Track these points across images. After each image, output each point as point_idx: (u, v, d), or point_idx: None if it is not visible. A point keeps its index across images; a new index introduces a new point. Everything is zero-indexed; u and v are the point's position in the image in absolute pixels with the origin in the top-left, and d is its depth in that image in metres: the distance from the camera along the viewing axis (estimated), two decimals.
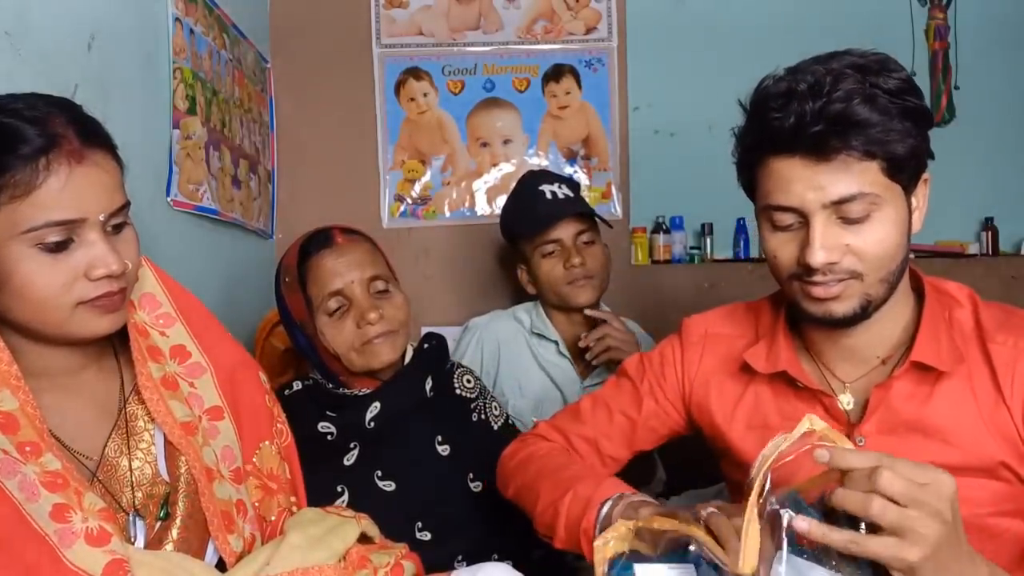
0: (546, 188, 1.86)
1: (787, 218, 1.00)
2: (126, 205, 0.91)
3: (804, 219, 0.99)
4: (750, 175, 1.06)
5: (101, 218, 0.86)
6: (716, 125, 2.59)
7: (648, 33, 2.61)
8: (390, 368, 1.39)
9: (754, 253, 2.62)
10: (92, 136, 0.87)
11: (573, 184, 1.93)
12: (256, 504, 1.03)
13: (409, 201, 2.56)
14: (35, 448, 0.83)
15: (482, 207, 2.57)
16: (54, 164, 0.82)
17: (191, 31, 1.73)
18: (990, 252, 2.60)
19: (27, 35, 1.14)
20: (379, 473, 1.35)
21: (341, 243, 1.39)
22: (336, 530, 1.00)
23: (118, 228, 0.90)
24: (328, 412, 1.37)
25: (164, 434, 0.96)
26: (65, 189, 0.82)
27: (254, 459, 1.06)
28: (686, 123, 2.58)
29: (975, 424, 1.00)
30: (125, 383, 0.98)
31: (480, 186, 2.58)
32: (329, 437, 1.36)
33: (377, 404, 1.36)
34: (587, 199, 2.29)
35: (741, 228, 2.61)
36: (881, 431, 1.04)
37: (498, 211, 2.57)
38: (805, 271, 0.99)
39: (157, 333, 1.01)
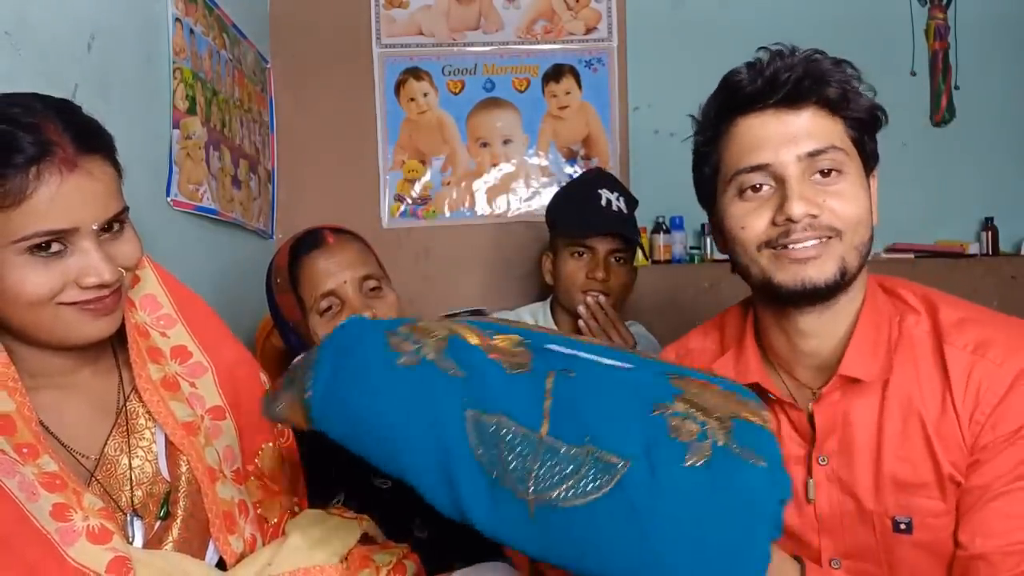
0: (604, 193, 1.83)
1: (758, 178, 0.98)
2: (123, 211, 0.89)
3: (776, 181, 0.97)
4: (711, 156, 1.06)
5: (95, 227, 0.85)
6: None
7: (648, 33, 2.61)
8: None
9: None
10: (88, 142, 0.86)
11: (632, 200, 1.90)
12: (256, 504, 1.03)
13: (409, 201, 2.56)
14: (32, 450, 0.83)
15: (482, 207, 2.57)
16: (45, 174, 0.81)
17: (191, 31, 1.73)
18: (990, 252, 2.60)
19: (27, 35, 1.14)
20: (375, 471, 1.35)
21: (332, 243, 1.38)
22: (338, 531, 1.00)
23: (116, 232, 0.89)
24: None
25: (165, 434, 0.96)
26: (56, 199, 0.81)
27: (256, 460, 1.06)
28: (686, 123, 2.56)
29: (925, 437, 0.96)
30: (124, 381, 0.98)
31: (480, 186, 2.58)
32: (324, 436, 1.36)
33: None
34: None
35: None
36: (842, 450, 1.00)
37: (498, 211, 2.58)
38: (782, 233, 0.96)
39: (158, 334, 1.00)
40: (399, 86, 2.55)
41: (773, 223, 0.97)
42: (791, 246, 0.96)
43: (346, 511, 1.08)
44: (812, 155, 0.96)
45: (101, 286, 0.86)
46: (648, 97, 2.61)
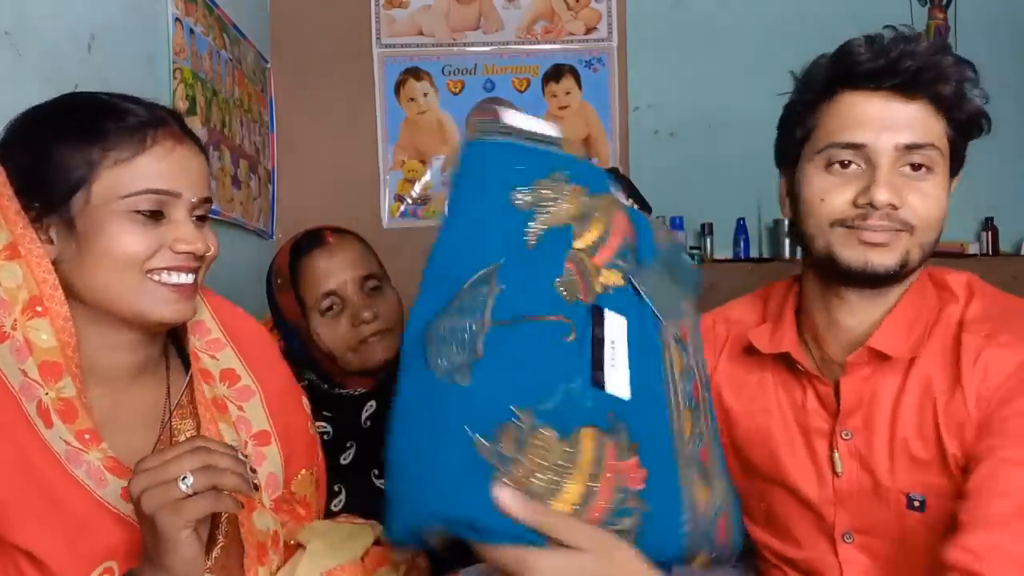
0: (619, 198, 1.84)
1: (849, 155, 0.98)
2: (210, 200, 0.93)
3: (867, 163, 0.98)
4: (806, 120, 1.03)
5: (193, 199, 0.89)
6: (716, 125, 2.59)
7: (648, 33, 2.61)
8: (386, 367, 1.39)
9: (754, 253, 2.62)
10: (188, 130, 0.92)
11: (645, 207, 1.88)
12: (282, 528, 1.02)
13: (409, 201, 2.56)
14: (93, 436, 0.83)
15: None
16: (160, 137, 0.87)
17: (191, 31, 1.73)
18: (990, 252, 2.60)
19: (27, 35, 1.14)
20: (376, 472, 1.35)
21: (332, 243, 1.39)
22: (353, 536, 1.00)
23: (201, 221, 0.92)
24: (324, 412, 1.37)
25: None
26: (167, 160, 0.86)
27: (292, 486, 1.04)
28: (686, 123, 2.58)
29: (935, 419, 0.98)
30: (172, 396, 0.97)
31: None
32: (325, 437, 1.36)
33: (373, 403, 1.36)
34: None
35: (741, 228, 2.61)
36: (865, 427, 1.02)
37: None
38: (859, 215, 0.97)
39: (207, 357, 1.00)
40: (399, 86, 2.55)
41: (854, 204, 0.97)
42: (864, 229, 0.97)
43: (356, 518, 1.09)
44: (910, 148, 0.96)
45: (191, 255, 0.88)
46: (648, 97, 2.61)
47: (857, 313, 1.03)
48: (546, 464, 0.71)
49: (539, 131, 0.90)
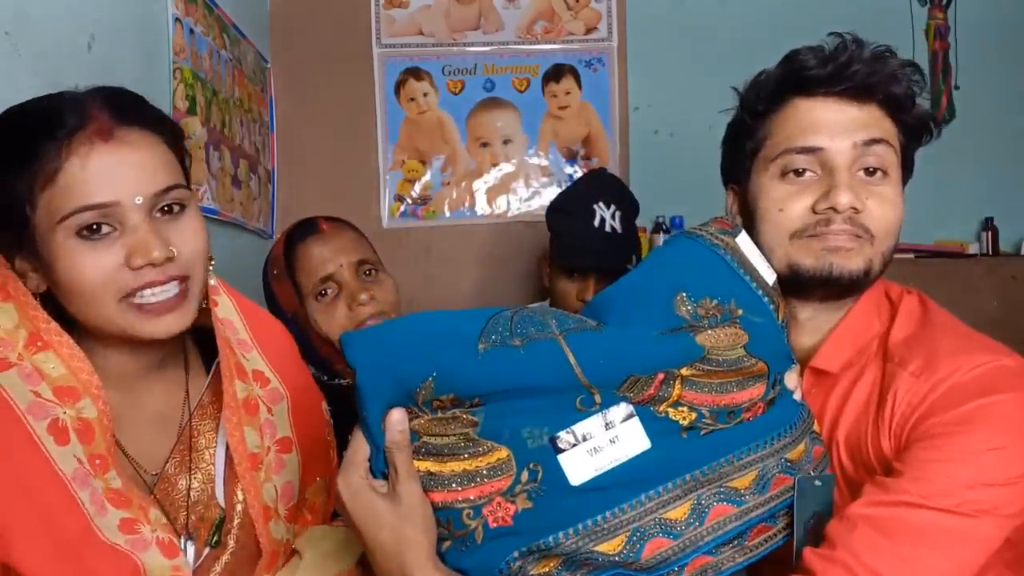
0: (599, 211, 1.79)
1: (805, 162, 0.96)
2: (176, 187, 0.82)
3: (823, 169, 0.96)
4: (756, 131, 1.02)
5: (138, 201, 0.78)
6: (716, 125, 2.58)
7: (648, 33, 2.61)
8: None
9: None
10: (127, 114, 0.82)
11: (631, 209, 1.85)
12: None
13: (409, 201, 2.56)
14: (103, 463, 0.80)
15: (482, 207, 2.57)
16: (75, 144, 0.77)
17: (191, 31, 1.73)
18: (990, 252, 2.60)
19: (27, 35, 1.14)
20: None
21: (326, 229, 1.40)
22: (348, 542, 0.99)
23: (175, 213, 0.83)
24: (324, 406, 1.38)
25: (227, 457, 0.92)
26: (87, 169, 0.77)
27: (307, 493, 1.02)
28: (686, 123, 2.58)
29: (865, 442, 0.96)
30: (190, 398, 0.93)
31: (480, 186, 2.58)
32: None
33: None
34: None
35: None
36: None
37: (498, 211, 2.58)
38: (820, 221, 0.95)
39: (240, 355, 0.97)
40: (399, 86, 2.55)
41: (813, 210, 0.95)
42: (828, 235, 0.95)
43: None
44: (867, 144, 0.95)
45: (152, 266, 0.79)
46: (648, 97, 2.61)
47: (811, 332, 1.02)
48: (450, 435, 0.74)
49: (757, 266, 0.89)
